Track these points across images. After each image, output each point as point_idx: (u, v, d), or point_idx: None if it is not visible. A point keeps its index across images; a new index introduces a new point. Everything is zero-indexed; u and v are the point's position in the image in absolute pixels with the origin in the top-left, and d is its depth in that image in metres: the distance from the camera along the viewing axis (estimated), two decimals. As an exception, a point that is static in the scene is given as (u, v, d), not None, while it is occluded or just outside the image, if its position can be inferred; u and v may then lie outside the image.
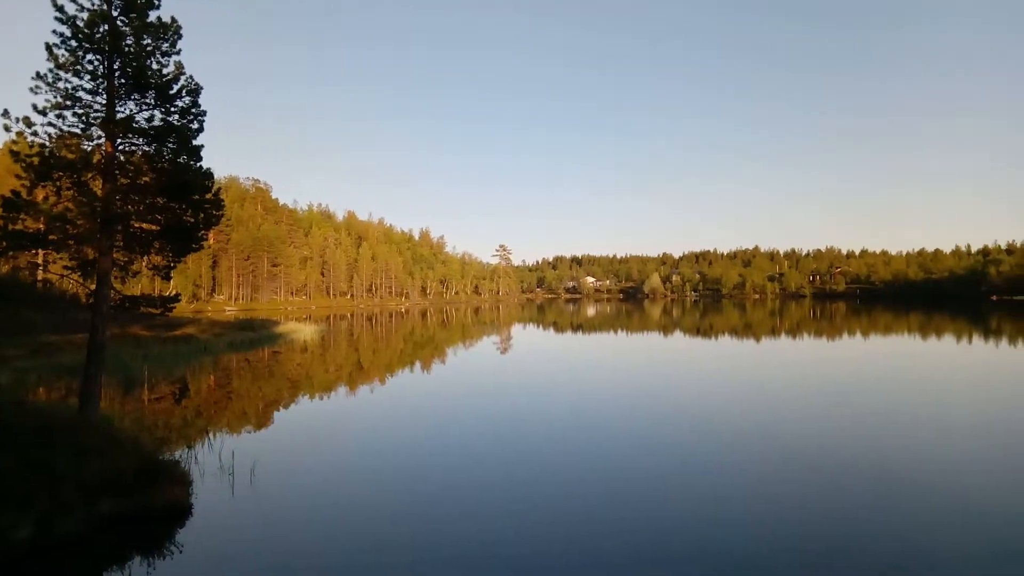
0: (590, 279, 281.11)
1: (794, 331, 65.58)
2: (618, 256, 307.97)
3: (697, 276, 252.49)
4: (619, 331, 71.50)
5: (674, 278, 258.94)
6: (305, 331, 63.06)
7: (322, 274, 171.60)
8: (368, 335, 69.15)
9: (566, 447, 17.41)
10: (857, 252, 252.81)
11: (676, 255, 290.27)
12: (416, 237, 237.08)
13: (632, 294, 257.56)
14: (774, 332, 64.51)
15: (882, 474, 14.49)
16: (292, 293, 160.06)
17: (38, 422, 13.30)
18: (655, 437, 18.45)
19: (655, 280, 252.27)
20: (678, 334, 65.38)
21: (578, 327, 79.88)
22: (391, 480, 14.75)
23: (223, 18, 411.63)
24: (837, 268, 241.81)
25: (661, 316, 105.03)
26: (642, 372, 33.82)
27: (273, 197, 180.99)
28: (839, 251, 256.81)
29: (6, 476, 10.71)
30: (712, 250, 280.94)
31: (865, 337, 56.32)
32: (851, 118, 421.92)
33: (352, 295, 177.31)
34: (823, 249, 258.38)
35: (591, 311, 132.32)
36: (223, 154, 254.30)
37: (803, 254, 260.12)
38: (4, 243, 15.16)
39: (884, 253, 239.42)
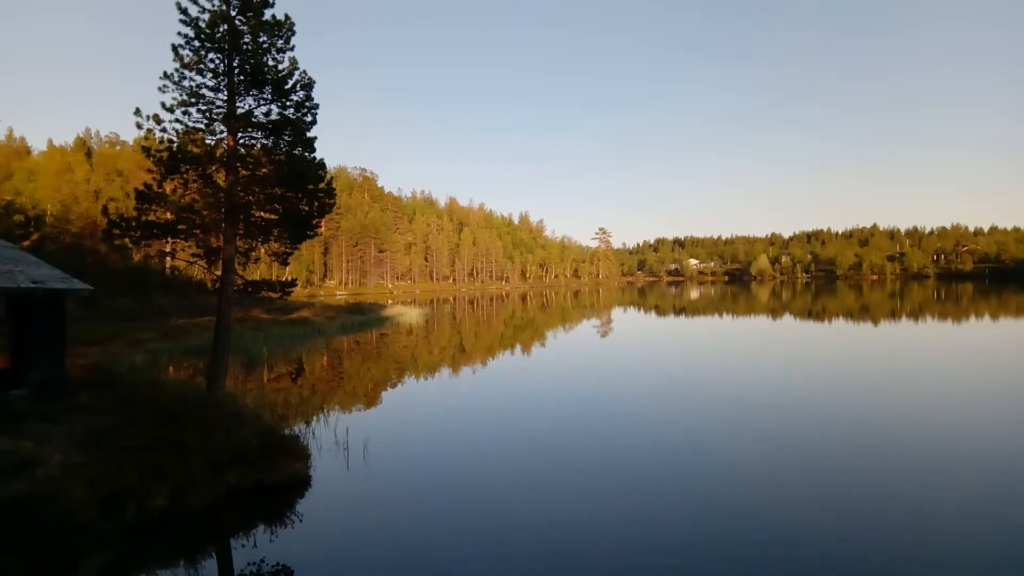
0: (693, 261, 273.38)
1: (916, 314, 61.44)
2: (723, 237, 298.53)
3: (809, 257, 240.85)
4: (724, 314, 69.34)
5: (783, 259, 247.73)
6: (410, 314, 64.85)
7: (425, 259, 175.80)
8: (470, 318, 70.34)
9: (662, 440, 17.05)
10: (986, 229, 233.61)
11: (786, 235, 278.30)
12: (516, 221, 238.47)
13: (738, 276, 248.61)
14: (894, 315, 60.66)
15: None
16: (397, 278, 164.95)
17: (170, 400, 14.32)
18: (763, 437, 17.72)
19: (763, 261, 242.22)
20: (788, 318, 62.65)
21: (680, 310, 78.06)
22: (495, 458, 15.02)
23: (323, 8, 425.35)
24: (964, 247, 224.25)
25: (769, 298, 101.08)
26: (748, 359, 32.65)
27: (379, 185, 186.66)
28: (966, 228, 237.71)
29: (143, 450, 11.60)
30: (825, 229, 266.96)
31: (995, 320, 52.02)
32: (977, 81, 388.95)
33: (454, 279, 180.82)
34: (948, 227, 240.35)
35: (694, 294, 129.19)
36: (332, 145, 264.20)
37: (926, 232, 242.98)
38: (137, 232, 16.34)
39: (1016, 230, 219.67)
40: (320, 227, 25.41)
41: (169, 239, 18.67)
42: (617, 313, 76.09)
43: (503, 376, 28.97)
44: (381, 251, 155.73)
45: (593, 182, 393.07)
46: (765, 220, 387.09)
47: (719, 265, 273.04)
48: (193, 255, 18.42)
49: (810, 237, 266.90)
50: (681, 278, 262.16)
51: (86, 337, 31.13)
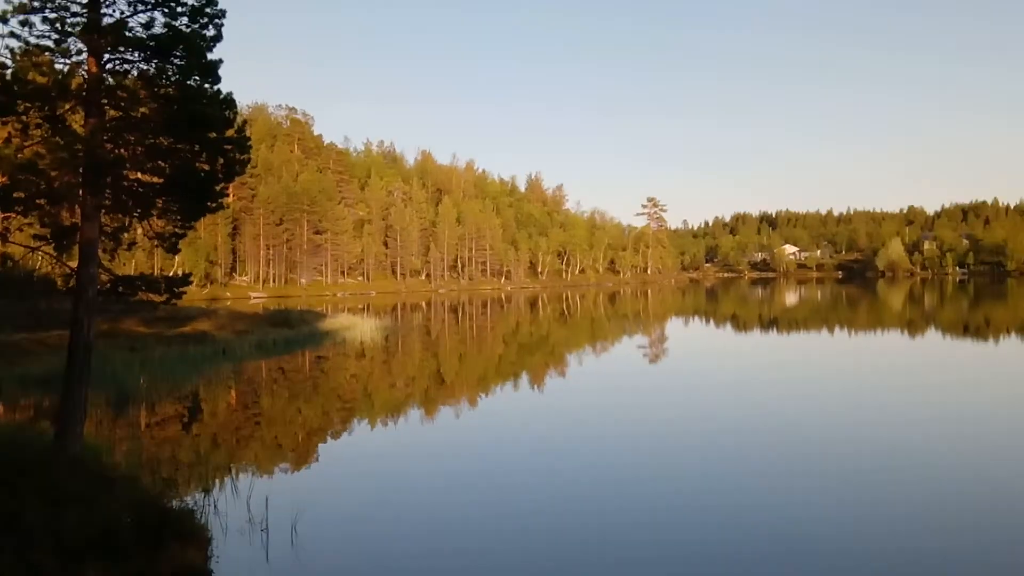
0: (790, 248, 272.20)
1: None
2: (835, 212, 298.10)
3: (964, 243, 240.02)
4: (839, 332, 69.27)
5: (926, 245, 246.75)
6: (362, 327, 64.95)
7: (385, 244, 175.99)
8: (451, 334, 70.45)
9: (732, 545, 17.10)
10: None
11: (929, 210, 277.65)
12: (522, 188, 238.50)
13: (857, 272, 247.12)
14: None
15: None
16: (343, 272, 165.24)
17: None
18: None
19: (895, 249, 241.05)
20: (944, 341, 62.62)
21: (770, 324, 78.05)
22: (478, 545, 15.02)
23: None
24: None
25: (906, 307, 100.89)
26: (878, 416, 32.58)
27: (316, 134, 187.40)
28: None
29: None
30: (990, 201, 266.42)
31: None
32: None
33: (428, 275, 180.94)
34: None
35: (791, 298, 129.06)
36: (244, 73, 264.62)
37: None
38: (-48, 204, 16.37)
39: None
40: (228, 195, 25.52)
41: (-1, 213, 18.69)
42: (673, 329, 76.07)
43: (497, 422, 29.01)
44: (319, 232, 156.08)
45: (636, 130, 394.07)
46: (898, 187, 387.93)
47: (828, 254, 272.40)
48: (35, 237, 18.43)
49: (966, 213, 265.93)
50: (771, 273, 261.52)
51: None
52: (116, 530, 12.53)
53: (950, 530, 15.54)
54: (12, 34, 16.43)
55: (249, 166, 19.42)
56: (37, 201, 16.94)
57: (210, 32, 17.22)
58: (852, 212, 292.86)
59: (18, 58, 16.50)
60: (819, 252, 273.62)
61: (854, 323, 76.84)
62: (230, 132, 17.61)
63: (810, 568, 13.65)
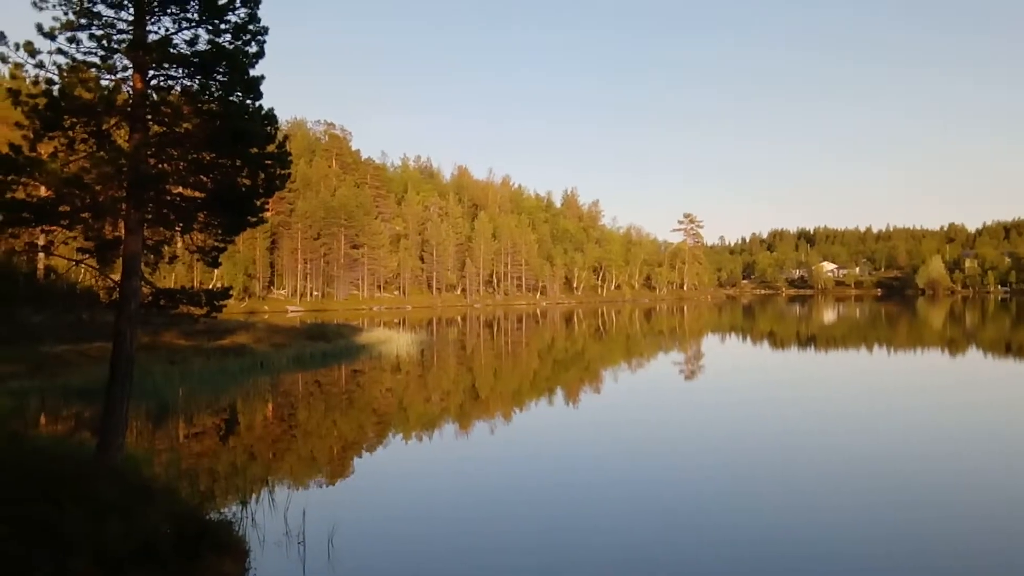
0: (828, 265, 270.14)
1: None
2: (874, 230, 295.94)
3: (1007, 260, 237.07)
4: (878, 350, 68.58)
5: (967, 263, 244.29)
6: (398, 341, 65.24)
7: (421, 259, 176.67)
8: (486, 348, 70.46)
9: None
10: None
11: (971, 227, 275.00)
12: (557, 204, 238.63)
13: (896, 289, 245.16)
14: None
15: None
16: (379, 287, 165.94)
17: (41, 466, 14.46)
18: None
19: (935, 266, 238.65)
20: (985, 361, 61.78)
21: (808, 342, 77.41)
22: (513, 562, 14.98)
23: None
24: None
25: (946, 325, 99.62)
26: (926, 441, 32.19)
27: (353, 149, 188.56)
28: None
29: None
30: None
31: None
32: None
33: (464, 290, 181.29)
34: None
35: (829, 316, 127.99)
36: (285, 90, 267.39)
37: None
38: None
39: None
40: (267, 210, 25.74)
41: (45, 227, 18.95)
42: (710, 346, 75.65)
43: (532, 440, 28.87)
44: (355, 247, 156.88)
45: (673, 146, 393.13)
46: (939, 205, 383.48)
47: (868, 271, 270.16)
48: (80, 251, 18.68)
49: (1009, 230, 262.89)
50: (809, 291, 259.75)
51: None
52: (155, 541, 12.63)
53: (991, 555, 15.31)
54: (59, 51, 16.72)
55: (288, 182, 19.57)
56: (81, 215, 17.17)
57: (252, 49, 17.43)
58: (892, 229, 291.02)
59: (65, 74, 16.76)
60: (858, 269, 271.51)
61: (893, 341, 75.99)
62: (271, 147, 17.78)
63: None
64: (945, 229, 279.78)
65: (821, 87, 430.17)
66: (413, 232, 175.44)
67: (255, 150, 17.53)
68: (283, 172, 18.14)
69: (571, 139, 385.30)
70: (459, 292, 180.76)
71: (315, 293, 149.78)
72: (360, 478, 22.94)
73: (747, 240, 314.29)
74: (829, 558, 15.11)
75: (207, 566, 12.77)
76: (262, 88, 17.69)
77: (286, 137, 19.00)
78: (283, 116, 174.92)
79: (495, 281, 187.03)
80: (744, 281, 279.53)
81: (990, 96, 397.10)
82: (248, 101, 17.50)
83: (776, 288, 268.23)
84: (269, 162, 17.79)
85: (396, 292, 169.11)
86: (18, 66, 16.55)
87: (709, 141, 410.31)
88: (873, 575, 14.27)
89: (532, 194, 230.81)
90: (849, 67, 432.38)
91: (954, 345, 69.52)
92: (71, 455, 16.60)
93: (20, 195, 16.95)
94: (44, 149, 17.38)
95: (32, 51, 16.49)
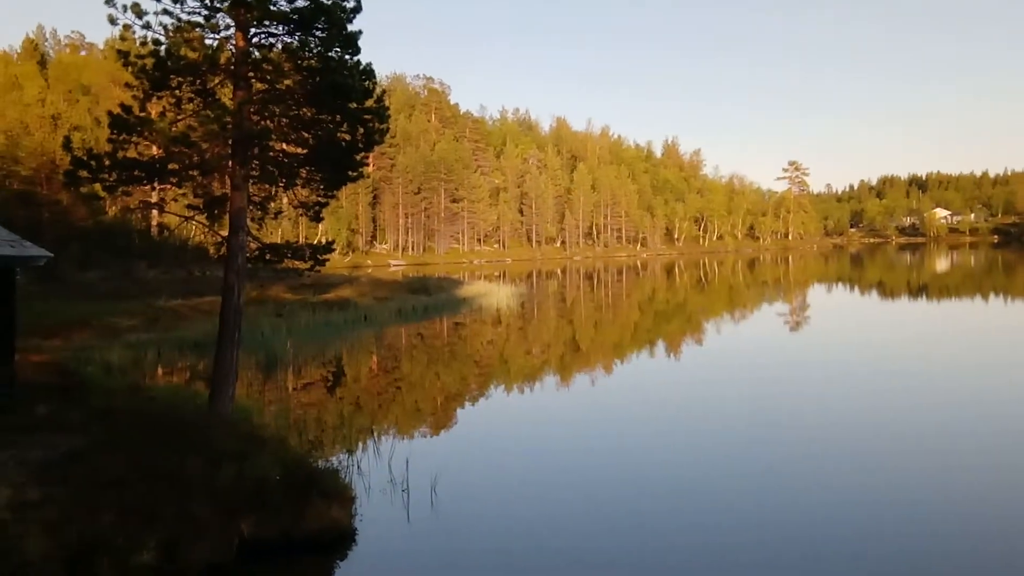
0: (941, 212, 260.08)
1: None
2: (991, 174, 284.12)
3: None
4: (993, 301, 66.18)
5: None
6: (498, 294, 65.45)
7: (520, 212, 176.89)
8: (587, 301, 70.36)
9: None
10: None
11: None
12: (658, 154, 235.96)
13: (1015, 236, 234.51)
14: None
15: None
16: (479, 240, 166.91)
17: (159, 415, 15.06)
18: None
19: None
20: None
21: (919, 292, 75.11)
22: (613, 508, 15.15)
23: None
24: None
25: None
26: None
27: (452, 103, 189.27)
28: None
29: (123, 484, 12.27)
30: None
31: None
32: None
33: (563, 242, 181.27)
34: None
35: (942, 264, 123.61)
36: (384, 44, 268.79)
37: None
38: (112, 175, 17.12)
39: None
40: (368, 165, 26.10)
41: (156, 184, 19.56)
42: (817, 297, 74.07)
43: (633, 389, 28.88)
44: (455, 200, 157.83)
45: (778, 89, 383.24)
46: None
47: (984, 218, 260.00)
48: (189, 207, 19.22)
49: None
50: (921, 238, 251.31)
51: (43, 324, 33.15)
52: (267, 487, 13.07)
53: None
54: (165, 11, 17.11)
55: (388, 136, 19.73)
56: (190, 172, 17.68)
57: (350, 3, 17.56)
58: (1010, 173, 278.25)
59: (171, 34, 17.17)
60: (973, 216, 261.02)
61: (1011, 291, 72.99)
62: (370, 102, 17.93)
63: None
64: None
65: (943, 20, 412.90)
66: (512, 185, 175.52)
67: (354, 105, 17.71)
68: (382, 127, 18.31)
69: (673, 87, 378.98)
70: (559, 244, 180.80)
71: (416, 247, 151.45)
72: (462, 429, 23.23)
73: (855, 187, 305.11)
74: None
75: (316, 511, 13.14)
76: (360, 43, 17.83)
77: (384, 92, 19.18)
78: (382, 72, 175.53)
79: (595, 233, 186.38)
80: (852, 230, 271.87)
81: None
82: (346, 57, 17.68)
83: (886, 236, 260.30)
84: (368, 117, 17.97)
85: (496, 245, 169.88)
86: (127, 27, 17.01)
87: (817, 83, 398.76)
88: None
89: (632, 144, 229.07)
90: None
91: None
92: (186, 404, 17.26)
93: (132, 154, 17.50)
94: (153, 109, 17.91)
95: (139, 12, 16.91)
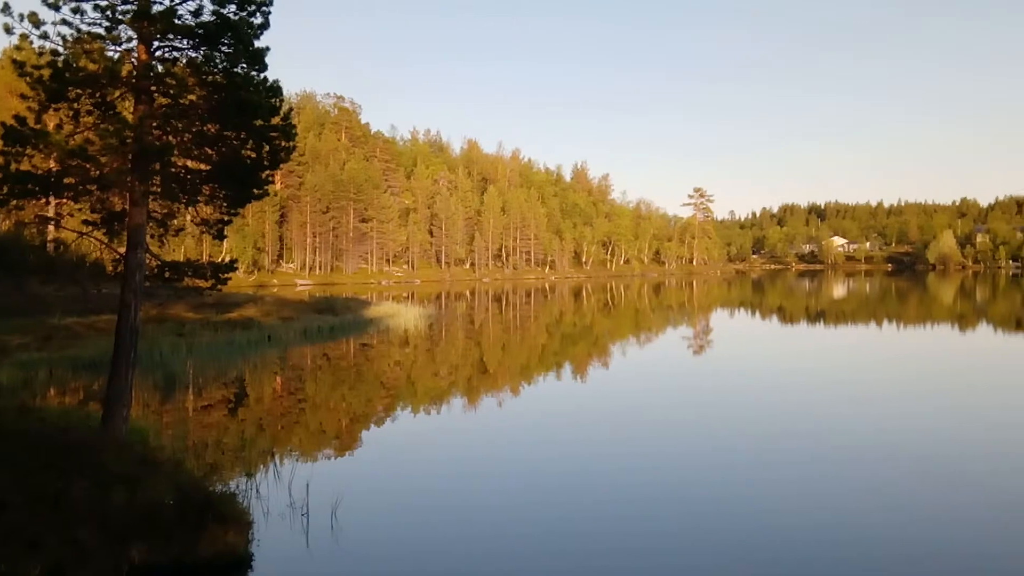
0: (838, 240, 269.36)
1: None
2: (885, 204, 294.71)
3: (1019, 235, 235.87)
4: (888, 326, 68.44)
5: (978, 238, 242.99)
6: (406, 315, 65.24)
7: (430, 233, 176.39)
8: (495, 323, 70.50)
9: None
10: None
11: (983, 202, 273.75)
12: (567, 178, 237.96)
13: (907, 264, 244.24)
14: None
15: None
16: (388, 261, 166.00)
17: (48, 437, 14.56)
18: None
19: (946, 242, 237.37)
20: (996, 337, 61.62)
21: (817, 318, 77.27)
22: (521, 530, 15.07)
23: None
24: None
25: (957, 301, 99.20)
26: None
27: (363, 122, 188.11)
28: None
29: (5, 508, 11.82)
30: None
31: None
32: None
33: (473, 264, 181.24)
34: None
35: (839, 291, 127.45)
36: (293, 62, 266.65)
37: None
38: (5, 188, 16.55)
39: None
40: (273, 183, 25.73)
41: (52, 198, 19.00)
42: (720, 322, 75.58)
43: (539, 416, 28.88)
44: (364, 220, 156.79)
45: (684, 120, 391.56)
46: (950, 179, 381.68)
47: (878, 246, 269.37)
48: (86, 223, 18.68)
49: (1021, 205, 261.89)
50: (819, 265, 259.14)
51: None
52: (160, 512, 12.72)
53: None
54: (64, 21, 16.67)
55: (297, 154, 19.53)
56: (87, 187, 17.19)
57: (257, 20, 17.35)
58: (903, 204, 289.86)
59: (70, 45, 16.72)
60: (868, 244, 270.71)
61: (903, 317, 75.70)
62: (276, 119, 17.73)
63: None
64: (957, 204, 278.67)
65: (833, 61, 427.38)
66: (422, 206, 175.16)
67: (260, 122, 17.49)
68: (288, 144, 18.11)
69: (582, 113, 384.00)
70: (468, 266, 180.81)
71: (324, 267, 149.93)
72: (366, 452, 23.01)
73: (757, 215, 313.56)
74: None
75: (210, 537, 12.85)
76: (267, 60, 17.64)
77: (291, 109, 18.98)
78: (292, 89, 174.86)
79: (504, 255, 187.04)
80: (754, 256, 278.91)
81: (1006, 63, 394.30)
82: (253, 73, 17.46)
83: (786, 263, 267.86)
84: (274, 134, 17.76)
85: (405, 266, 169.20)
86: (23, 37, 16.53)
87: (722, 114, 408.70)
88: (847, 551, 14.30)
89: (542, 168, 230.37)
90: (852, 47, 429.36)
91: (964, 321, 69.33)
92: (77, 426, 16.71)
93: (26, 167, 16.97)
94: (50, 121, 17.40)
95: (37, 22, 16.48)
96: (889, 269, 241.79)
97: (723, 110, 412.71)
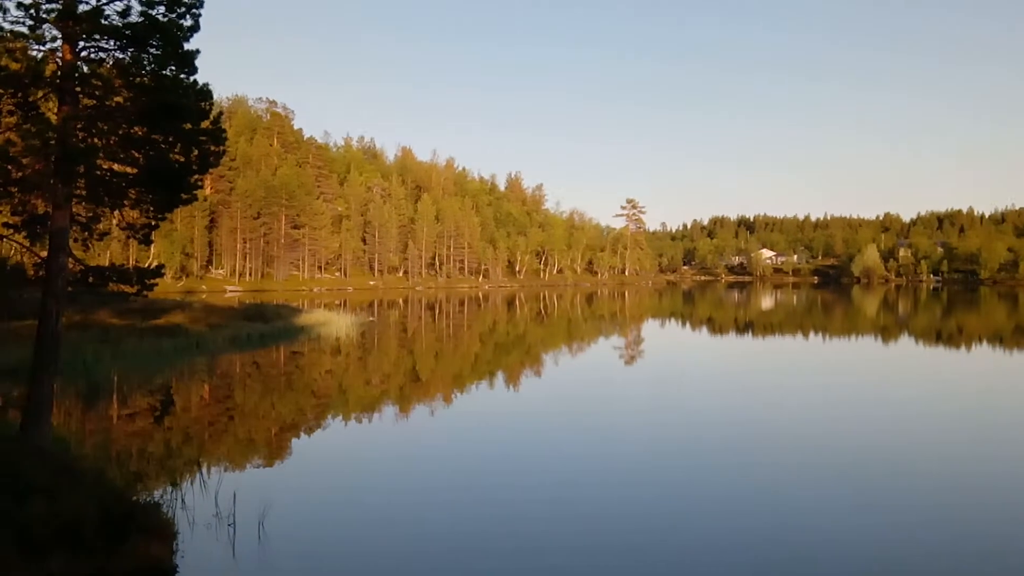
0: (767, 252, 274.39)
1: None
2: (812, 218, 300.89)
3: (939, 251, 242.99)
4: (813, 337, 69.75)
5: (901, 252, 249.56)
6: (338, 323, 64.75)
7: (363, 240, 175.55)
8: (428, 331, 70.35)
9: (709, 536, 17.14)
10: None
11: (905, 217, 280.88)
12: (501, 187, 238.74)
13: (833, 277, 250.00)
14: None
15: None
16: (320, 268, 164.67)
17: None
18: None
19: (870, 255, 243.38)
20: (916, 348, 63.12)
21: (745, 328, 78.49)
22: (445, 545, 15.02)
23: None
24: None
25: (880, 314, 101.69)
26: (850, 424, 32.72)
27: (296, 128, 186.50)
28: None
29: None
30: (964, 210, 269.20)
31: None
32: None
33: (406, 272, 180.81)
34: None
35: (767, 302, 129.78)
36: (224, 66, 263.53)
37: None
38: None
39: None
40: (203, 187, 25.34)
41: (-30, 200, 18.49)
42: (650, 331, 76.36)
43: (471, 420, 29.10)
44: (296, 227, 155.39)
45: (617, 131, 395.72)
46: (874, 196, 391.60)
47: (805, 259, 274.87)
48: (7, 225, 18.25)
49: (942, 221, 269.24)
50: (748, 277, 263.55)
51: None
52: (81, 523, 12.42)
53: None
54: (-15, 19, 16.27)
55: (228, 159, 19.29)
56: (9, 189, 16.81)
57: (187, 22, 17.15)
58: (829, 218, 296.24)
59: (-9, 44, 16.32)
60: (795, 257, 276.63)
61: (828, 328, 77.40)
62: (205, 123, 17.55)
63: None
64: (881, 219, 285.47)
65: (778, 69, 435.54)
66: (355, 213, 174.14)
67: (189, 126, 17.30)
68: (217, 149, 17.92)
69: (516, 122, 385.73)
70: (401, 274, 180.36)
71: (254, 273, 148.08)
72: (295, 461, 22.77)
73: (688, 226, 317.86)
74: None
75: (133, 549, 12.58)
76: (197, 63, 17.43)
77: (221, 113, 18.79)
78: (223, 93, 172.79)
79: (438, 264, 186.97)
80: (684, 267, 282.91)
81: (936, 90, 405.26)
82: (182, 76, 17.25)
83: (716, 274, 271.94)
84: (203, 138, 17.57)
85: (337, 273, 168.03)
86: (-59, 33, 16.10)
87: (654, 126, 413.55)
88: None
89: (476, 177, 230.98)
90: (810, 47, 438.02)
91: (887, 333, 71.04)
92: (-5, 435, 16.27)
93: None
94: (-30, 121, 16.97)
95: (-44, 18, 16.05)
96: (815, 282, 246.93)
97: (654, 129, 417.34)
